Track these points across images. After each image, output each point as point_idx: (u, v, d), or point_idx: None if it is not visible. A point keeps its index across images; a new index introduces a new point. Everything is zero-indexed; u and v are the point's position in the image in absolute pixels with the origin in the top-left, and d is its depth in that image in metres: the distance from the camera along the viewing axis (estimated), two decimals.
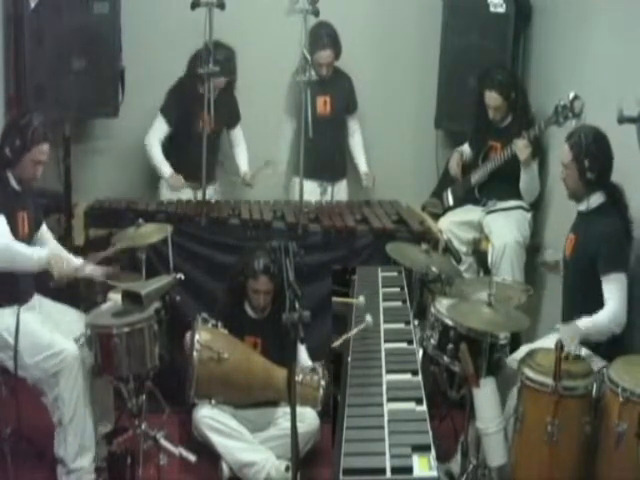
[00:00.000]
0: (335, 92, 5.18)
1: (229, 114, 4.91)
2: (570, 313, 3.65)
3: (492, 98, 4.69)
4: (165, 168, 4.96)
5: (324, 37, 4.97)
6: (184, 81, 4.98)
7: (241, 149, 5.20)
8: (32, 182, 3.77)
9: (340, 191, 5.30)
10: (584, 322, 3.41)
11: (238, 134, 5.19)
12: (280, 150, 5.24)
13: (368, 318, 3.06)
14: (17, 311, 3.56)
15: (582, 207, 3.64)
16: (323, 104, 5.14)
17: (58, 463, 3.67)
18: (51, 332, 3.65)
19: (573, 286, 3.65)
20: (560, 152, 3.72)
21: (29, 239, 3.76)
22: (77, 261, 3.87)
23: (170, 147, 5.04)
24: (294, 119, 5.01)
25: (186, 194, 4.95)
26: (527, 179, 4.64)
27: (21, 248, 3.59)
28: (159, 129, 4.99)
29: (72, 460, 3.62)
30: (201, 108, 4.91)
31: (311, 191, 5.02)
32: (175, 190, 4.93)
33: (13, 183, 3.72)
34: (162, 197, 4.98)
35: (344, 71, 5.25)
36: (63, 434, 3.61)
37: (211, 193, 5.01)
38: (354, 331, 3.07)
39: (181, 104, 4.97)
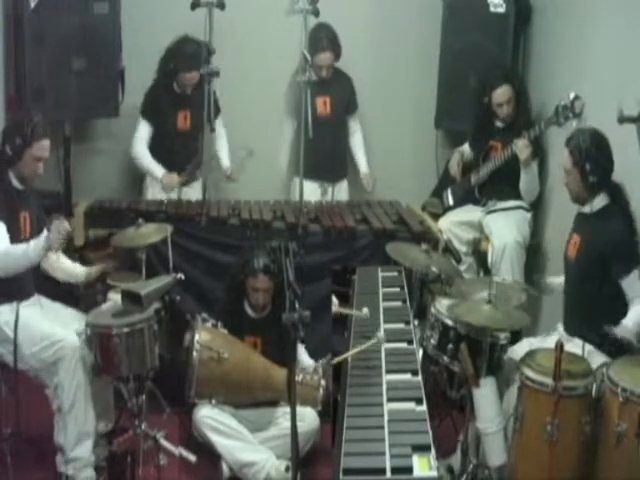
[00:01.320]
0: (335, 92, 5.18)
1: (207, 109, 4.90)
2: (572, 314, 3.65)
3: (502, 93, 4.68)
4: (157, 170, 4.95)
5: (323, 39, 4.96)
6: (159, 80, 4.99)
7: (222, 143, 5.14)
8: (33, 179, 3.77)
9: (341, 192, 5.30)
10: (630, 320, 3.40)
11: (218, 127, 5.09)
12: (280, 150, 5.24)
13: (380, 334, 3.05)
14: (16, 306, 3.56)
15: (586, 209, 3.63)
16: (323, 104, 5.13)
17: (58, 451, 3.67)
18: (50, 324, 3.66)
19: (576, 287, 3.65)
20: (560, 154, 3.71)
21: (31, 240, 3.75)
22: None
23: (151, 147, 5.04)
24: (294, 119, 5.01)
25: (173, 193, 4.96)
26: (527, 179, 4.64)
27: (16, 248, 3.58)
28: (142, 131, 4.98)
29: (71, 448, 3.61)
30: (178, 106, 4.97)
31: (311, 192, 5.02)
32: (169, 190, 4.91)
33: (15, 182, 3.72)
34: (148, 196, 4.98)
35: (344, 71, 5.24)
36: (63, 421, 3.61)
37: (195, 191, 5.00)
38: (366, 345, 3.05)
39: (158, 103, 4.98)
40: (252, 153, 4.86)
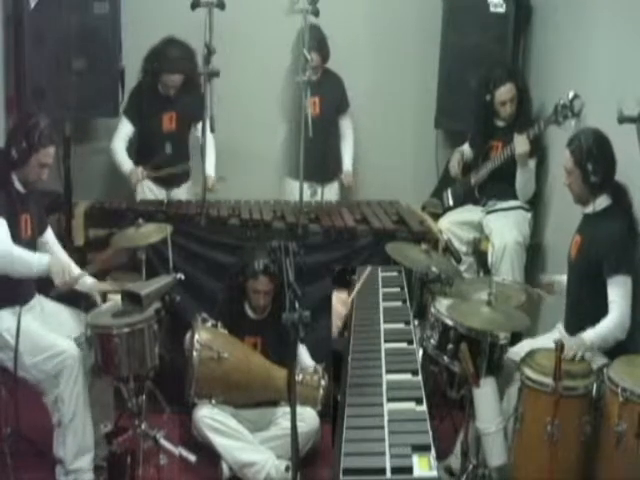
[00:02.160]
0: (324, 93, 5.12)
1: (193, 110, 4.81)
2: (573, 314, 3.65)
3: (506, 92, 4.67)
4: (126, 165, 4.91)
5: (310, 40, 4.92)
6: (143, 81, 4.97)
7: (209, 148, 4.93)
8: (37, 184, 3.77)
9: (331, 193, 5.25)
10: (589, 335, 3.40)
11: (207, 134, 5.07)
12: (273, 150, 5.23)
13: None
14: (18, 312, 3.56)
15: (588, 210, 3.62)
16: (312, 105, 5.08)
17: (57, 463, 3.67)
18: (52, 333, 3.65)
19: (577, 287, 3.65)
20: (561, 154, 3.71)
21: (32, 242, 3.75)
22: (77, 271, 3.86)
23: (138, 148, 5.04)
24: (287, 120, 5.00)
25: (161, 195, 4.94)
26: (523, 177, 4.64)
27: (22, 253, 3.56)
28: (123, 131, 4.96)
29: (71, 461, 3.62)
30: (162, 107, 4.94)
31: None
32: (135, 183, 4.86)
33: (17, 185, 3.71)
34: (139, 197, 4.95)
35: (334, 72, 5.20)
36: (62, 434, 3.61)
37: (183, 193, 5.04)
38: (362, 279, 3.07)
39: (142, 105, 4.96)
40: (224, 179, 4.84)
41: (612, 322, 3.41)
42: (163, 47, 4.85)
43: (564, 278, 3.81)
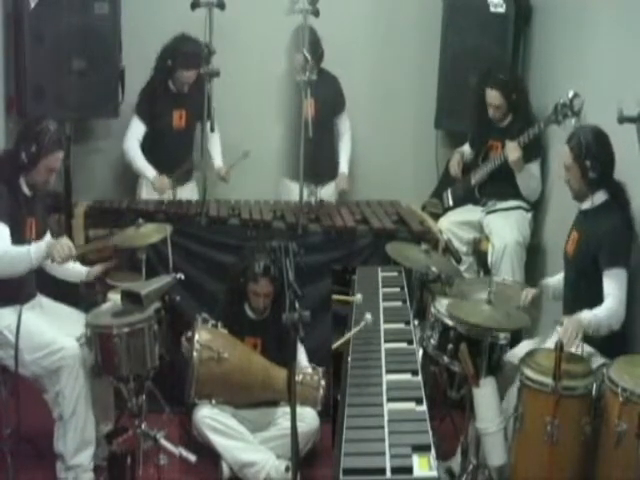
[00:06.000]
0: (320, 94, 5.09)
1: (201, 108, 4.69)
2: (571, 310, 3.65)
3: (493, 96, 4.69)
4: (149, 171, 4.95)
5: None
6: (154, 78, 4.98)
7: (215, 142, 5.08)
8: (43, 188, 3.77)
9: (328, 194, 5.21)
10: (586, 315, 3.41)
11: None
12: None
13: (368, 316, 3.05)
14: (19, 310, 3.56)
15: (586, 205, 3.64)
16: (307, 106, 5.09)
17: (57, 459, 3.68)
18: (52, 330, 3.65)
19: (574, 283, 3.66)
20: (561, 153, 3.72)
21: None
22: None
23: (146, 146, 5.04)
24: (284, 121, 5.00)
25: (166, 193, 4.95)
26: (523, 180, 4.65)
27: (17, 249, 3.57)
28: (136, 130, 4.97)
29: (71, 456, 3.62)
30: (173, 104, 4.97)
31: (298, 193, 4.97)
32: (161, 193, 4.89)
33: (24, 189, 3.72)
34: (142, 196, 4.98)
35: (330, 73, 5.17)
36: (63, 429, 3.62)
37: (189, 191, 5.05)
38: (354, 331, 3.06)
39: (154, 102, 4.97)
40: (248, 154, 4.88)
41: (608, 309, 3.42)
42: (177, 44, 4.86)
43: (556, 279, 3.82)
